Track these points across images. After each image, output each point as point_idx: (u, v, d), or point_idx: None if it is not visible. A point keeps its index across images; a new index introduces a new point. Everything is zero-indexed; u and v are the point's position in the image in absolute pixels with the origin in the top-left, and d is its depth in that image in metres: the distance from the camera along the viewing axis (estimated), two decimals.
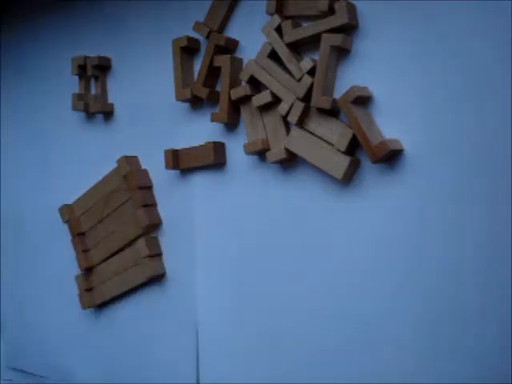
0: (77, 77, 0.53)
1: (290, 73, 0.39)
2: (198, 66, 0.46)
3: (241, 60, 0.43)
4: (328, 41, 0.37)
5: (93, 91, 0.53)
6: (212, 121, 0.44)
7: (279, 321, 0.42)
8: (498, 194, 0.33)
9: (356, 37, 0.38)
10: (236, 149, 0.44)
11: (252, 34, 0.43)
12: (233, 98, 0.42)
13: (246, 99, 0.42)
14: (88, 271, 0.55)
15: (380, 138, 0.36)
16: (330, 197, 0.39)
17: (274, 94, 0.40)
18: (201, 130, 0.46)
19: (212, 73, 0.44)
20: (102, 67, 0.52)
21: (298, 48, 0.40)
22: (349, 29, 0.38)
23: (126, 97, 0.52)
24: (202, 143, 0.45)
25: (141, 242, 0.48)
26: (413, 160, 0.36)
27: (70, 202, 0.55)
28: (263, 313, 0.43)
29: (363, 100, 0.37)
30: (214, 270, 0.46)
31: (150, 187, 0.49)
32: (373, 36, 0.37)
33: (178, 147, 0.47)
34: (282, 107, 0.39)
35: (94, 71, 0.52)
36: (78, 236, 0.53)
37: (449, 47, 0.34)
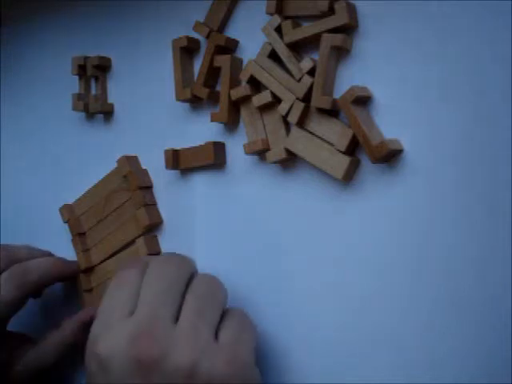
0: (77, 77, 0.53)
1: (289, 73, 0.39)
2: (198, 65, 0.46)
3: (241, 60, 0.43)
4: (328, 41, 0.37)
5: (93, 91, 0.53)
6: (212, 121, 0.43)
7: (279, 321, 0.42)
8: (499, 193, 0.33)
9: (356, 37, 0.38)
10: (236, 149, 0.44)
11: (252, 34, 0.42)
12: (233, 98, 0.42)
13: (246, 99, 0.42)
14: (88, 271, 0.55)
15: (380, 138, 0.36)
16: (330, 197, 0.39)
17: (274, 94, 0.40)
18: (201, 130, 0.46)
19: (212, 73, 0.44)
20: (102, 67, 0.52)
21: (298, 48, 0.40)
22: (349, 29, 0.37)
23: (126, 97, 0.51)
24: (202, 143, 0.45)
25: (140, 241, 0.48)
26: (413, 160, 0.36)
27: (70, 201, 0.55)
28: (263, 313, 0.43)
29: (363, 100, 0.37)
30: (214, 270, 0.45)
31: (150, 187, 0.49)
32: (373, 36, 0.37)
33: (178, 147, 0.46)
34: (282, 107, 0.39)
35: (94, 71, 0.52)
36: (78, 236, 0.53)
37: (449, 47, 0.34)
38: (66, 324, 0.47)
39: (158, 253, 0.48)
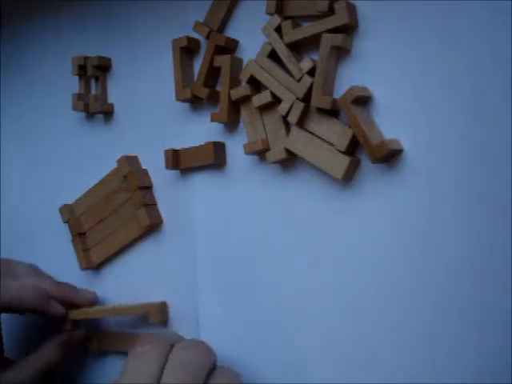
0: (77, 77, 0.53)
1: (289, 73, 0.39)
2: (198, 65, 0.46)
3: (241, 60, 0.43)
4: (328, 41, 0.37)
5: (93, 91, 0.53)
6: (212, 121, 0.43)
7: (280, 321, 0.42)
8: (499, 193, 0.33)
9: (356, 37, 0.38)
10: (236, 149, 0.44)
11: (252, 34, 0.42)
12: (233, 98, 0.42)
13: (246, 99, 0.42)
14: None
15: (380, 138, 0.36)
16: (330, 197, 0.39)
17: (274, 94, 0.40)
18: (201, 130, 0.46)
19: (212, 73, 0.44)
20: (102, 67, 0.51)
21: (298, 48, 0.40)
22: (349, 29, 0.37)
23: (126, 97, 0.51)
24: (202, 143, 0.45)
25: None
26: (413, 160, 0.36)
27: (70, 202, 0.55)
28: (264, 313, 0.43)
29: (363, 100, 0.37)
30: (215, 270, 0.45)
31: (150, 187, 0.49)
32: (373, 36, 0.37)
33: (178, 147, 0.46)
34: (282, 107, 0.39)
35: (94, 71, 0.52)
36: (78, 236, 0.53)
37: (449, 47, 0.34)
38: (46, 347, 0.47)
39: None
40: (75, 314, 0.48)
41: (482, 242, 0.33)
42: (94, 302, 0.50)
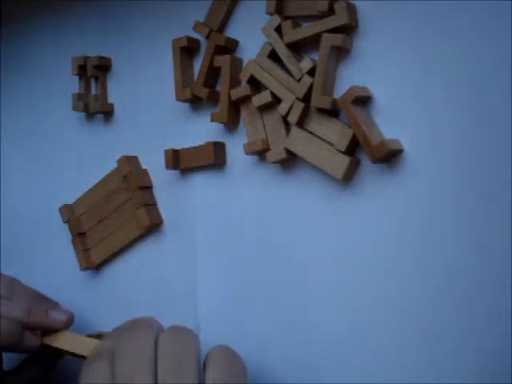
0: (77, 77, 0.53)
1: (289, 73, 0.39)
2: (198, 65, 0.46)
3: (241, 60, 0.43)
4: (328, 41, 0.37)
5: (93, 91, 0.53)
6: (212, 121, 0.43)
7: (280, 321, 0.42)
8: (499, 193, 0.33)
9: (356, 37, 0.38)
10: (236, 149, 0.44)
11: (252, 34, 0.42)
12: (233, 98, 0.42)
13: (246, 99, 0.42)
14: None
15: (380, 138, 0.36)
16: (330, 197, 0.39)
17: (274, 94, 0.40)
18: (201, 130, 0.46)
19: (212, 73, 0.44)
20: (102, 67, 0.51)
21: (298, 48, 0.40)
22: (349, 29, 0.37)
23: (126, 97, 0.51)
24: (202, 143, 0.45)
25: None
26: (413, 160, 0.36)
27: (69, 202, 0.55)
28: (263, 313, 0.43)
29: (363, 100, 0.37)
30: (215, 270, 0.45)
31: (150, 187, 0.49)
32: (373, 36, 0.37)
33: (178, 147, 0.47)
34: (282, 107, 0.39)
35: (94, 71, 0.52)
36: (78, 236, 0.53)
37: (449, 47, 0.34)
38: (26, 365, 0.46)
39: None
40: (48, 340, 0.45)
41: (482, 242, 0.33)
42: (69, 323, 0.46)
